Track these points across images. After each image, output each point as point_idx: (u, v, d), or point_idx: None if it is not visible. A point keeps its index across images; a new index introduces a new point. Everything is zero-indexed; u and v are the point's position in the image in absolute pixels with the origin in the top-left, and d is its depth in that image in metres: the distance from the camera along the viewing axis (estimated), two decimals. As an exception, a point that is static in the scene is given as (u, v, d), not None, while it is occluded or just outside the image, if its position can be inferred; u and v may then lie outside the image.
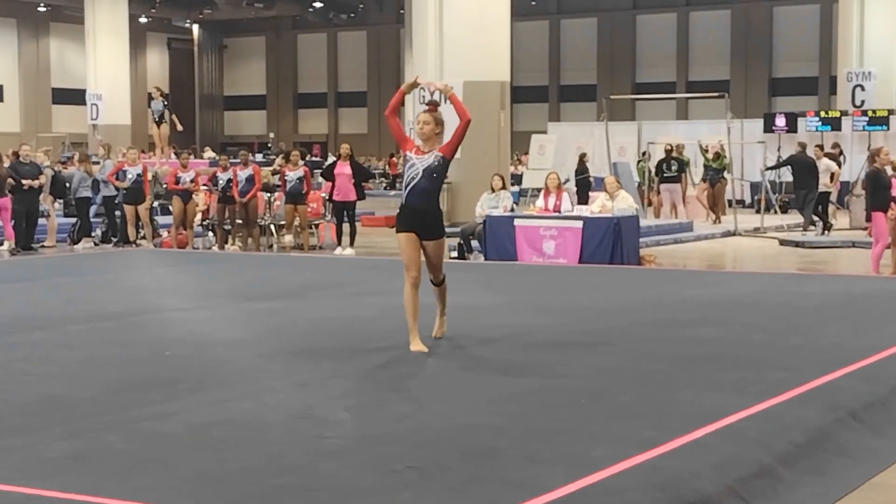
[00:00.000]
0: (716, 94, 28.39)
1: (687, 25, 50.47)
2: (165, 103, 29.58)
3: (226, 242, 20.01)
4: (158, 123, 30.52)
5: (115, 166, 20.38)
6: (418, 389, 7.44)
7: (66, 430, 6.25)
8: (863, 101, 33.43)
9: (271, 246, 20.16)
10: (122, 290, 13.29)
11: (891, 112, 31.39)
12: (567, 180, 24.49)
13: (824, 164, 24.23)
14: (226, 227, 20.12)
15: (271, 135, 55.82)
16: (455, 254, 17.77)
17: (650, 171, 26.15)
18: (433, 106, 8.86)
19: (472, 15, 22.50)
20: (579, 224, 16.47)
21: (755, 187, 29.50)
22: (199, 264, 16.65)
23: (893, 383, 7.64)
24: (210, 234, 20.61)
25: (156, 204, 22.41)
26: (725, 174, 25.47)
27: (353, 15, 55.47)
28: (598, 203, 17.39)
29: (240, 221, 19.96)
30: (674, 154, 25.32)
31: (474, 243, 17.70)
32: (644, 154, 27.34)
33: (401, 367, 8.18)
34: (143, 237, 20.25)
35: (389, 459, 5.68)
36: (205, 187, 20.38)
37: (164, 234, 21.02)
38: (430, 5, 23.04)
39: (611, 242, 16.24)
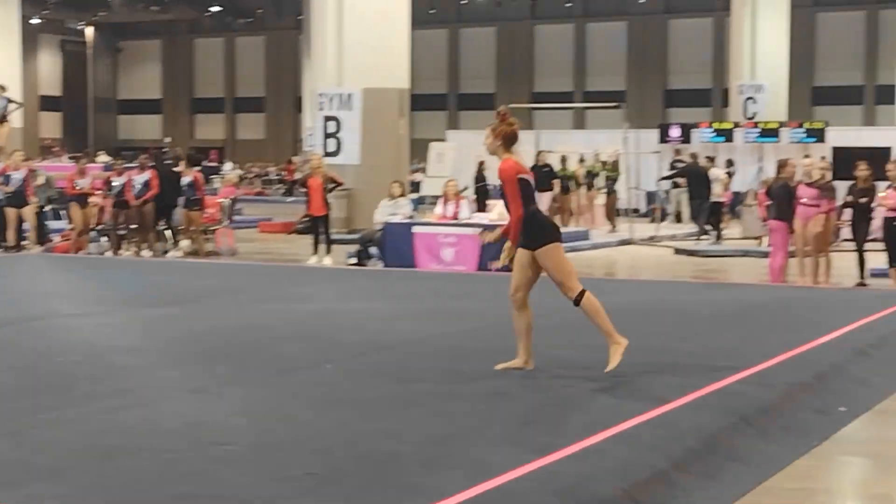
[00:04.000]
0: (612, 104, 28.75)
1: (584, 36, 51.09)
2: (9, 100, 28.84)
3: (119, 248, 19.71)
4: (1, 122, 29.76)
5: (1, 170, 19.94)
6: (316, 396, 7.39)
7: (-46, 439, 6.10)
8: (754, 114, 34.16)
9: (166, 251, 19.89)
10: (12, 295, 13.00)
11: (781, 124, 32.07)
12: (466, 188, 24.58)
13: (714, 173, 24.70)
14: (120, 233, 19.82)
15: (167, 139, 55.15)
16: (354, 260, 17.74)
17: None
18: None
19: (372, 22, 22.49)
20: (478, 231, 16.53)
21: (650, 196, 29.91)
22: (94, 270, 16.36)
23: (785, 389, 7.80)
24: (104, 239, 20.28)
25: (47, 208, 21.97)
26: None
27: (250, 20, 55.10)
28: (496, 210, 17.47)
29: (135, 226, 19.68)
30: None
31: (373, 250, 17.68)
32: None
33: (298, 374, 8.13)
34: (26, 240, 19.85)
35: (287, 466, 5.64)
36: (99, 192, 20.05)
37: (56, 238, 20.62)
38: (329, 12, 22.98)
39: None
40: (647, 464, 5.87)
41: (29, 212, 19.78)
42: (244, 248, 21.10)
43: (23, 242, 19.80)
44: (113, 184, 19.61)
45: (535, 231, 7.98)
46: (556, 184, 25.05)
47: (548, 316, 9.22)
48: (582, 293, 8.00)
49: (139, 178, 19.52)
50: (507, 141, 8.02)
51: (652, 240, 23.70)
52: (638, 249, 22.48)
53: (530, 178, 8.04)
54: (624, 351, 7.94)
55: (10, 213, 19.57)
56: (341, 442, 6.13)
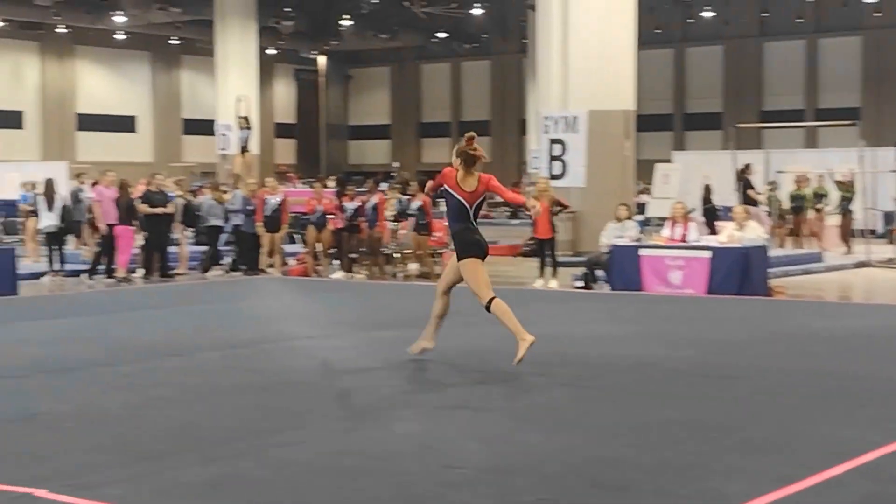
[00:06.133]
0: (847, 121, 27.81)
1: (816, 52, 49.61)
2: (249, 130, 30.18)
3: (350, 270, 20.22)
4: (243, 152, 31.06)
5: (259, 195, 20.70)
6: (547, 420, 7.40)
7: (202, 457, 6.36)
8: None
9: (395, 274, 20.30)
10: (251, 317, 13.49)
11: None
12: (693, 210, 24.22)
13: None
14: (351, 256, 20.35)
15: (395, 164, 56.36)
16: (580, 283, 17.69)
17: (779, 201, 25.75)
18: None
19: (598, 44, 22.42)
20: (707, 254, 16.26)
21: (888, 217, 28.79)
22: (327, 292, 16.84)
23: None
24: (335, 262, 20.85)
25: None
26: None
27: (476, 45, 55.78)
28: (726, 233, 17.16)
29: (364, 250, 20.18)
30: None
31: (600, 273, 17.59)
32: (772, 183, 26.91)
33: (529, 397, 8.16)
34: (272, 265, 20.57)
35: (518, 491, 5.66)
36: (331, 216, 20.62)
37: (292, 262, 21.32)
38: (554, 34, 23.03)
39: (739, 273, 15.98)
40: (892, 497, 5.64)
41: (278, 237, 20.55)
42: (471, 270, 21.28)
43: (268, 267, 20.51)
44: (345, 208, 20.14)
45: (460, 245, 9.37)
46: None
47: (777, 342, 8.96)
48: (491, 300, 9.25)
49: (369, 203, 20.01)
50: (466, 162, 9.26)
51: (890, 262, 22.78)
52: (875, 272, 21.65)
53: (457, 193, 9.25)
54: (529, 346, 8.98)
55: (266, 238, 20.34)
56: (573, 467, 6.11)
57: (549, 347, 10.54)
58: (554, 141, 22.73)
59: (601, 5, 22.55)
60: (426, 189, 9.64)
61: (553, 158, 22.73)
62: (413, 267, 20.25)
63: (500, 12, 52.88)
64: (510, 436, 6.91)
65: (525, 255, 22.67)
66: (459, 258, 9.36)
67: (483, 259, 9.38)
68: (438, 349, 10.46)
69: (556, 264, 18.33)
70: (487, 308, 9.28)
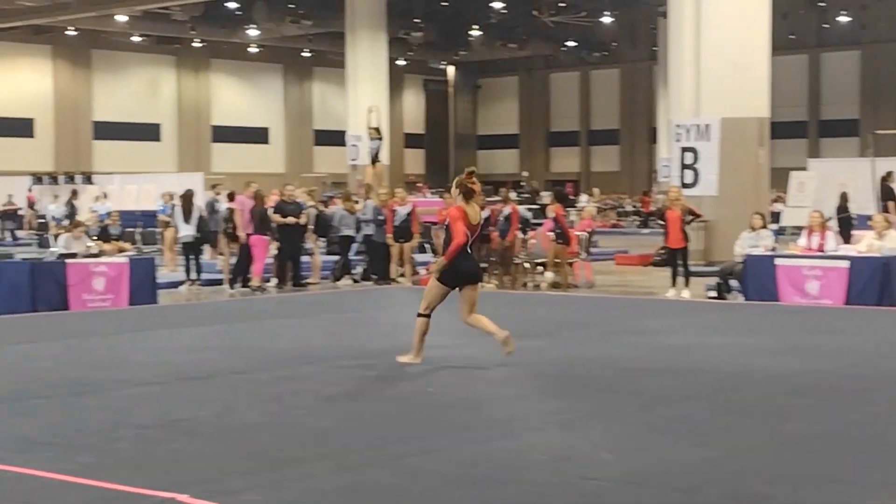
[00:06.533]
0: None
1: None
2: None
3: (480, 280, 20.22)
4: (373, 162, 31.33)
5: (389, 205, 20.89)
6: (682, 432, 7.31)
7: (337, 464, 6.43)
8: None
9: (525, 284, 20.26)
10: (383, 327, 13.61)
11: None
12: (829, 218, 23.71)
13: None
14: (482, 265, 20.36)
15: (524, 173, 56.36)
16: (713, 293, 17.44)
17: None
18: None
19: (731, 50, 22.12)
20: (845, 264, 15.89)
21: None
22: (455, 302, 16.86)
23: None
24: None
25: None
26: None
27: (605, 53, 55.52)
28: (865, 242, 16.75)
29: (494, 259, 20.18)
30: None
31: (734, 283, 17.32)
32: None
33: (663, 409, 8.07)
34: (402, 275, 20.72)
35: (653, 503, 5.60)
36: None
37: (422, 271, 21.44)
38: (686, 41, 22.79)
39: (879, 283, 15.57)
40: None
41: (408, 247, 20.70)
42: (601, 280, 21.18)
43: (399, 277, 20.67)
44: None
45: (450, 269, 10.08)
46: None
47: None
48: (419, 315, 10.19)
49: (502, 212, 20.02)
50: (465, 194, 10.07)
51: None
52: None
53: (466, 228, 10.01)
54: (408, 363, 10.12)
55: (396, 248, 20.54)
56: (710, 481, 6.03)
57: (683, 359, 10.43)
58: (686, 149, 22.49)
59: (734, 11, 22.26)
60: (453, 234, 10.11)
61: (685, 167, 22.49)
62: (549, 276, 20.13)
63: (630, 20, 52.57)
64: (645, 447, 6.85)
65: (656, 264, 22.45)
66: (439, 278, 10.12)
67: (457, 287, 10.15)
68: (571, 360, 10.42)
69: (688, 274, 18.11)
70: (418, 314, 10.25)
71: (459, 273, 10.10)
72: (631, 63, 56.79)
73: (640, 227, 41.73)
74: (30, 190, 40.31)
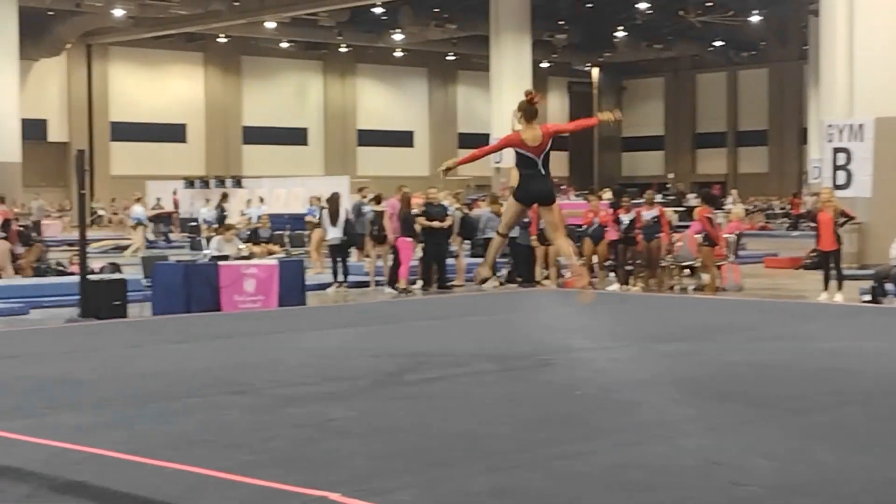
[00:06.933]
0: None
1: None
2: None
3: (626, 283, 20.09)
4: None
5: (534, 208, 20.85)
6: (837, 438, 7.14)
7: (487, 466, 6.45)
8: None
9: (672, 287, 20.04)
10: (528, 329, 13.58)
11: None
12: None
13: None
14: (627, 268, 20.22)
15: (670, 175, 55.78)
16: (868, 297, 17.01)
17: None
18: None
19: (885, 48, 21.59)
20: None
21: None
22: (602, 305, 16.77)
23: None
24: (612, 274, 20.78)
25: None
26: None
27: (753, 53, 54.60)
28: None
29: (641, 262, 20.02)
30: None
31: (889, 286, 16.86)
32: None
33: (818, 415, 7.90)
34: (547, 277, 20.68)
35: (812, 511, 5.49)
36: (607, 228, 20.55)
37: (567, 274, 21.35)
38: (839, 40, 22.30)
39: None
40: None
41: (554, 250, 20.60)
42: (750, 283, 20.82)
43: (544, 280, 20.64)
44: (621, 220, 20.03)
45: (519, 185, 10.24)
46: None
47: None
48: (497, 233, 10.93)
49: (647, 215, 19.85)
50: (526, 115, 9.93)
51: None
52: None
53: (525, 150, 9.95)
54: (483, 274, 11.02)
55: (540, 249, 20.34)
56: (868, 488, 5.88)
57: (837, 363, 10.18)
58: (838, 150, 21.99)
59: (889, 8, 21.72)
60: (476, 155, 10.40)
61: (837, 168, 21.99)
62: (706, 277, 19.83)
63: (780, 19, 51.56)
64: (800, 454, 6.70)
65: (807, 267, 22.00)
66: (514, 195, 10.44)
67: (527, 204, 10.49)
68: (721, 363, 10.28)
69: (841, 277, 17.70)
70: (496, 232, 10.95)
71: (530, 192, 10.23)
72: (780, 62, 55.72)
73: (790, 230, 40.92)
74: (175, 193, 41.42)
